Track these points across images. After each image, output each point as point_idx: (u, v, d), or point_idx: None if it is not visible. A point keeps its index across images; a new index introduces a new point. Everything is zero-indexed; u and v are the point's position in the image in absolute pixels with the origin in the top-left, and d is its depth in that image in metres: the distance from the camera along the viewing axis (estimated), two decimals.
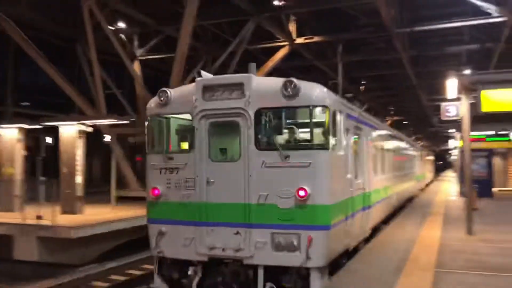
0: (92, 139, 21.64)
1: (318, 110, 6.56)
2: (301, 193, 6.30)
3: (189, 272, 6.93)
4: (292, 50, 19.74)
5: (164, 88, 7.27)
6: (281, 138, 6.88)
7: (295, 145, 6.72)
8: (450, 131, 25.16)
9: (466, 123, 10.11)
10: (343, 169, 7.38)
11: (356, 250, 8.29)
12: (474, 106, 10.40)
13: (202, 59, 20.92)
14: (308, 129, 6.64)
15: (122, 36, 20.00)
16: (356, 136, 8.46)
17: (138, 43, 20.96)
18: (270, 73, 22.20)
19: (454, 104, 13.27)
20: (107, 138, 18.19)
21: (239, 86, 6.84)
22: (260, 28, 18.09)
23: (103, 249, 12.23)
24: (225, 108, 6.85)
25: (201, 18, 16.98)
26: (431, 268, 7.11)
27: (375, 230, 10.28)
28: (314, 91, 6.65)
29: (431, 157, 48.30)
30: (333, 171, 6.75)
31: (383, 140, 11.95)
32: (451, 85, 11.13)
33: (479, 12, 15.84)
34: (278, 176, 6.48)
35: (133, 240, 13.24)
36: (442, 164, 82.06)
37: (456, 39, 20.26)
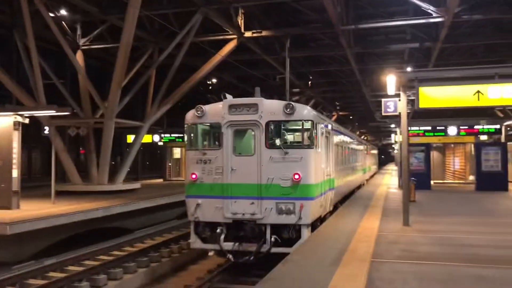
0: (34, 131, 20.87)
1: (306, 123, 10.13)
2: (296, 176, 9.85)
3: (218, 230, 10.21)
4: (240, 44, 19.71)
5: (200, 105, 10.62)
6: (283, 141, 10.34)
7: (291, 145, 10.35)
8: (391, 126, 26.15)
9: (404, 119, 10.43)
10: (320, 161, 10.90)
11: (323, 219, 11.58)
12: (413, 102, 10.87)
13: (148, 50, 20.50)
14: (300, 135, 10.31)
15: (64, 24, 19.22)
16: (326, 138, 11.77)
17: (81, 32, 20.22)
18: (219, 66, 22.19)
19: (394, 100, 13.72)
20: (48, 130, 17.48)
21: (255, 106, 10.27)
22: (208, 20, 17.95)
23: (41, 246, 11.88)
24: (244, 120, 10.33)
25: (147, 8, 16.65)
26: (368, 258, 7.32)
27: (335, 208, 13.93)
28: (304, 110, 10.24)
29: (375, 151, 50.24)
30: (315, 162, 10.29)
31: (341, 139, 15.53)
32: (391, 82, 11.49)
33: (419, 12, 16.46)
34: (280, 165, 9.97)
35: (75, 236, 12.87)
36: (384, 158, 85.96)
37: (399, 37, 21.00)
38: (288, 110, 10.10)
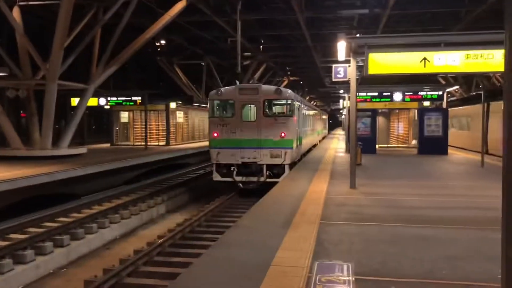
0: None
1: (289, 101, 15.73)
2: (282, 134, 15.43)
3: (232, 168, 15.59)
4: (190, 4, 19.09)
5: (219, 88, 16.41)
6: (274, 112, 16.00)
7: (279, 115, 15.86)
8: (340, 92, 26.56)
9: (353, 85, 10.62)
10: (296, 125, 16.26)
11: (295, 163, 16.91)
12: (361, 68, 11.02)
13: (92, 8, 19.43)
14: (284, 108, 15.92)
15: None
16: (297, 109, 16.81)
17: None
18: (168, 27, 21.44)
19: (344, 66, 13.89)
20: None
21: (256, 89, 15.74)
22: None
23: None
24: (249, 98, 15.73)
25: None
26: (317, 220, 7.52)
27: (302, 157, 19.31)
28: (287, 92, 15.84)
29: (325, 117, 51.47)
30: (293, 126, 15.80)
31: (304, 109, 20.54)
32: (341, 48, 11.57)
33: None
34: (272, 127, 15.42)
35: (20, 202, 12.36)
36: (333, 122, 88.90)
37: (349, 3, 20.97)
38: (277, 92, 15.73)
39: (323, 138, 41.16)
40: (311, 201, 9.24)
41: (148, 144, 25.74)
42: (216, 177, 15.81)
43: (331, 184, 11.54)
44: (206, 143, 18.01)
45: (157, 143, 27.82)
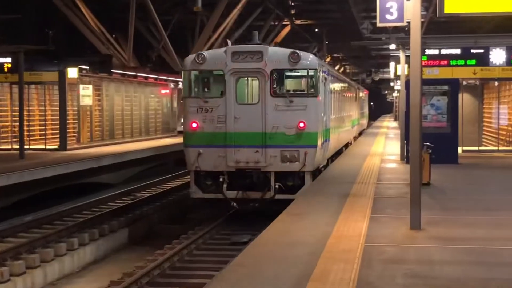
0: None
1: (311, 71, 17.76)
2: (301, 124, 17.29)
3: (220, 179, 17.51)
4: None
5: (201, 51, 18.36)
6: (288, 89, 18.07)
7: (296, 93, 17.91)
8: (390, 47, 26.35)
9: (415, 33, 10.46)
10: (321, 109, 18.70)
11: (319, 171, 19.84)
12: (429, 4, 10.87)
13: None
14: (305, 83, 18.04)
15: None
16: (324, 85, 18.95)
17: None
18: None
19: (399, 0, 13.63)
20: None
21: (259, 53, 17.50)
22: None
23: None
24: (249, 68, 17.66)
25: None
26: None
27: (328, 161, 22.13)
28: (309, 58, 17.94)
29: (364, 95, 51.80)
30: (318, 111, 18.11)
31: (334, 84, 23.06)
32: None
33: None
34: (285, 114, 17.35)
35: None
36: (377, 105, 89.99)
37: None
38: (293, 57, 17.38)
39: (360, 133, 43.85)
40: (338, 254, 9.12)
41: (28, 147, 25.67)
42: (196, 193, 18.02)
43: (374, 221, 11.53)
44: (146, 144, 18.85)
45: (43, 146, 27.87)
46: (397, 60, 27.59)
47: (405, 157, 20.96)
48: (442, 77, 22.13)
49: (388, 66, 47.25)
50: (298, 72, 18.05)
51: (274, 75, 17.47)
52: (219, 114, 17.40)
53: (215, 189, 17.61)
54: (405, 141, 21.56)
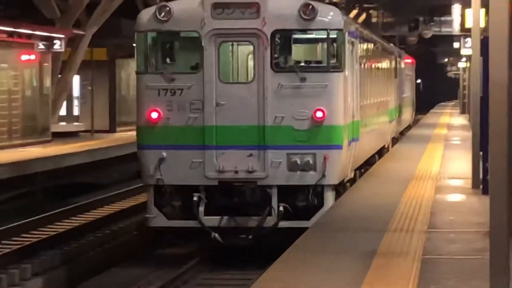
0: None
1: (333, 33, 14.92)
2: (319, 114, 14.51)
3: (195, 198, 14.52)
4: None
5: (164, 3, 14.67)
6: (297, 60, 15.49)
7: (311, 67, 15.48)
8: None
9: None
10: (349, 91, 16.06)
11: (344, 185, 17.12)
12: None
13: None
14: (323, 50, 15.41)
15: None
16: (351, 54, 16.59)
17: None
18: None
19: None
20: None
21: (254, 6, 14.71)
22: None
23: None
24: (238, 28, 14.80)
25: None
26: None
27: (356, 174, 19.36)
28: (330, 13, 15.12)
29: (409, 65, 41.28)
30: (344, 93, 15.53)
31: (365, 51, 19.96)
32: None
33: None
34: (295, 98, 14.81)
35: None
36: (425, 85, 62.20)
37: None
38: (306, 13, 14.38)
39: (401, 133, 37.26)
40: None
41: None
42: (158, 220, 14.78)
43: None
44: None
45: None
46: (465, 1, 22.05)
47: (482, 182, 16.45)
48: None
49: (449, 12, 36.23)
50: (314, 35, 15.25)
51: (277, 39, 14.71)
52: (193, 98, 14.62)
53: (186, 213, 14.52)
54: (481, 153, 16.87)
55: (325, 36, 14.72)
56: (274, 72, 14.57)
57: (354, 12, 53.41)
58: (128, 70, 41.08)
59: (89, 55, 36.20)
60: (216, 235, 14.16)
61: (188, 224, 14.50)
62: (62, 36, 29.17)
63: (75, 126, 35.28)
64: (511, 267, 7.33)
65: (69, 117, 38.89)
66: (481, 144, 16.20)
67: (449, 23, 39.80)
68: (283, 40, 14.83)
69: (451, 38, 44.60)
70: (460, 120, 49.48)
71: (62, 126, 33.39)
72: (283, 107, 14.62)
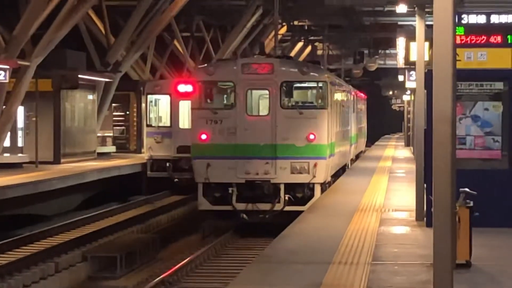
0: None
1: (321, 83, 23.70)
2: (311, 136, 22.57)
3: (230, 191, 22.03)
4: None
5: (210, 63, 28.80)
6: (298, 101, 23.97)
7: (306, 105, 24.11)
8: (398, 10, 22.74)
9: None
10: (331, 122, 24.65)
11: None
12: None
13: None
14: (315, 95, 24.27)
15: None
16: (330, 96, 24.46)
17: None
18: None
19: None
20: None
21: (271, 66, 22.83)
22: None
23: None
24: (259, 80, 22.78)
25: None
26: None
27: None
28: (319, 71, 25.31)
29: (363, 105, 42.42)
30: (328, 123, 24.08)
31: (337, 93, 27.54)
32: None
33: None
34: (296, 126, 22.58)
35: None
36: (371, 117, 54.22)
37: None
38: (304, 70, 21.74)
39: (356, 156, 42.69)
40: None
41: None
42: (204, 205, 21.56)
43: None
44: None
45: None
46: (409, 34, 22.09)
47: (425, 215, 15.82)
48: (494, 66, 16.24)
49: (393, 45, 36.04)
50: (308, 84, 22.83)
51: (284, 87, 21.62)
52: (229, 126, 21.35)
53: (224, 200, 21.35)
54: (424, 185, 16.21)
55: (316, 85, 22.29)
56: (282, 108, 21.42)
57: (300, 44, 54.34)
58: (73, 101, 40.94)
59: (33, 86, 36.35)
60: (244, 215, 21.25)
61: (225, 208, 21.44)
62: (7, 67, 29.32)
63: (19, 157, 35.23)
64: None
65: (13, 148, 38.75)
66: (425, 177, 15.90)
67: (394, 56, 40.49)
68: (288, 88, 21.67)
69: (395, 71, 44.49)
70: (404, 152, 48.81)
71: (6, 157, 33.49)
72: (288, 131, 21.27)
